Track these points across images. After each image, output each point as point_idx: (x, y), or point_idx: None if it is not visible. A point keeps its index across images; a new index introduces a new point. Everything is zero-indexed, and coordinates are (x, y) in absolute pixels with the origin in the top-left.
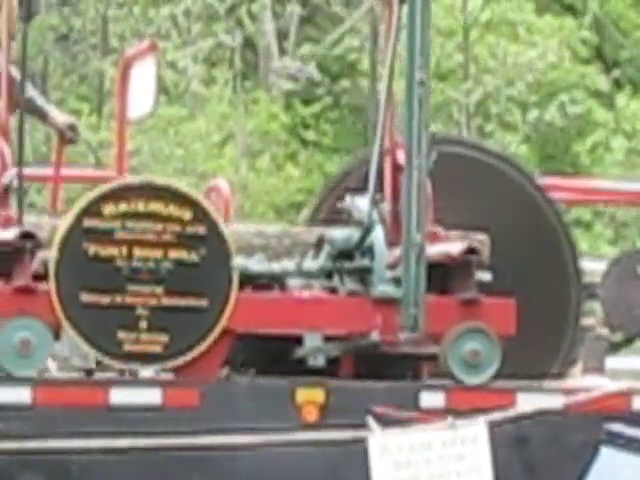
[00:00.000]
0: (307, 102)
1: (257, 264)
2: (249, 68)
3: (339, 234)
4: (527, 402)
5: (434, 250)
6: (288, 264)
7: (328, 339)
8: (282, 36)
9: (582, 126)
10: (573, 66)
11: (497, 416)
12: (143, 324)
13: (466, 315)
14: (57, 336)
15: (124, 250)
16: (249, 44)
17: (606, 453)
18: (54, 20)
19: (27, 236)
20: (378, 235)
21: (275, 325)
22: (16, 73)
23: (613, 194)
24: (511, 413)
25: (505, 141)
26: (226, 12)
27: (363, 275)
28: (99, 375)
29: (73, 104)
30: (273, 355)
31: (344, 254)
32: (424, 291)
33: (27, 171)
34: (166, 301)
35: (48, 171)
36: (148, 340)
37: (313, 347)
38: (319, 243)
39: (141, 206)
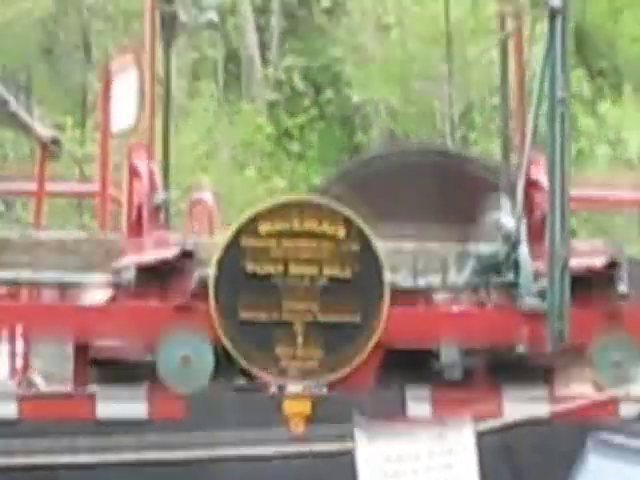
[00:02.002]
0: (292, 113)
1: (404, 279)
2: (232, 80)
3: (486, 249)
4: (513, 411)
5: (576, 263)
6: (433, 279)
7: (464, 352)
8: (265, 48)
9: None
10: None
11: (484, 425)
12: (299, 340)
13: (609, 326)
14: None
15: (280, 267)
16: (232, 56)
17: (593, 461)
18: (38, 34)
19: (187, 255)
20: (523, 249)
21: (426, 339)
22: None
23: (596, 201)
24: (498, 422)
25: (489, 150)
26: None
27: (509, 289)
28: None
29: (58, 117)
30: (410, 367)
31: (490, 268)
32: (568, 304)
33: (12, 185)
34: (321, 317)
35: (32, 186)
36: (304, 356)
37: (453, 360)
38: (462, 258)
39: (296, 224)
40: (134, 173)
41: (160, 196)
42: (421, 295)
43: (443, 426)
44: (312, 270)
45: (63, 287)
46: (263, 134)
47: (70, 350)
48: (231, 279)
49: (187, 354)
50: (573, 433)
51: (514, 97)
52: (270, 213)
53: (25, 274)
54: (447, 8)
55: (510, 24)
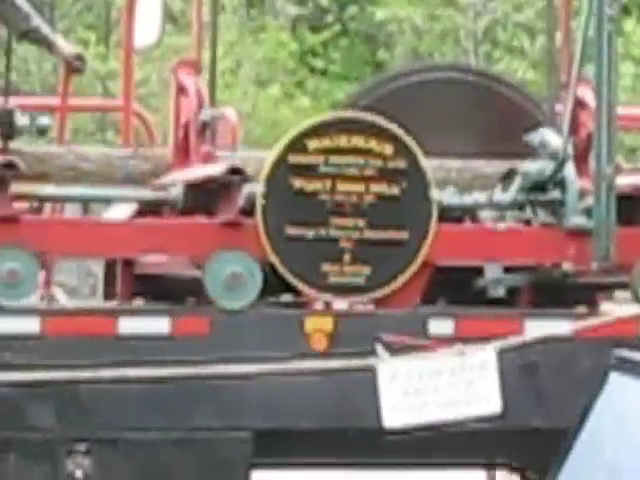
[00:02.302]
0: (315, 29)
1: (450, 197)
2: None
3: (532, 167)
4: (535, 329)
5: (621, 182)
6: (479, 196)
7: (507, 270)
8: None
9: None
10: None
11: (506, 343)
12: (346, 257)
13: None
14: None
15: (328, 184)
16: None
17: (615, 378)
18: None
19: (235, 171)
20: (570, 168)
21: (472, 257)
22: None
23: (622, 119)
24: (519, 340)
25: (512, 67)
26: None
27: (555, 207)
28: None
29: (82, 33)
30: (454, 285)
31: (536, 186)
32: (614, 222)
33: (35, 100)
34: (368, 234)
35: (56, 101)
36: (351, 272)
37: (496, 277)
38: (508, 176)
39: (344, 141)
40: (180, 90)
41: (208, 113)
42: (467, 213)
43: (464, 343)
44: (359, 187)
45: (109, 202)
46: (286, 50)
47: (93, 266)
48: (279, 196)
49: (236, 271)
50: (596, 350)
51: (560, 16)
52: (318, 130)
53: (70, 190)
54: None
55: None
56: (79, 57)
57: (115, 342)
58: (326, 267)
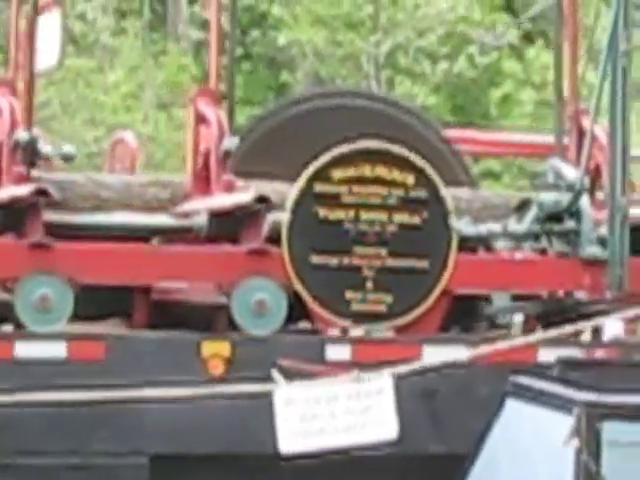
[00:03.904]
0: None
1: (466, 226)
2: (158, 19)
3: (548, 198)
4: (433, 354)
5: (634, 212)
6: (494, 226)
7: (516, 299)
8: None
9: (492, 77)
10: (483, 18)
11: (403, 369)
12: (369, 284)
13: None
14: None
15: (351, 213)
16: None
17: (511, 404)
18: None
19: (262, 200)
20: (585, 199)
21: (490, 286)
22: None
23: (521, 146)
24: (417, 365)
25: (414, 92)
26: None
27: (571, 237)
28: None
29: None
30: (464, 312)
31: (552, 217)
32: (628, 252)
33: None
34: (390, 262)
35: None
36: (374, 300)
37: (503, 307)
38: (522, 206)
39: (367, 171)
40: (200, 119)
41: (231, 142)
42: (481, 242)
43: (361, 369)
44: (382, 216)
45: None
46: (188, 74)
47: None
48: (304, 224)
49: (262, 298)
50: (492, 377)
51: (567, 51)
52: (343, 159)
53: (93, 218)
54: None
55: None
56: None
57: (11, 366)
58: (349, 295)
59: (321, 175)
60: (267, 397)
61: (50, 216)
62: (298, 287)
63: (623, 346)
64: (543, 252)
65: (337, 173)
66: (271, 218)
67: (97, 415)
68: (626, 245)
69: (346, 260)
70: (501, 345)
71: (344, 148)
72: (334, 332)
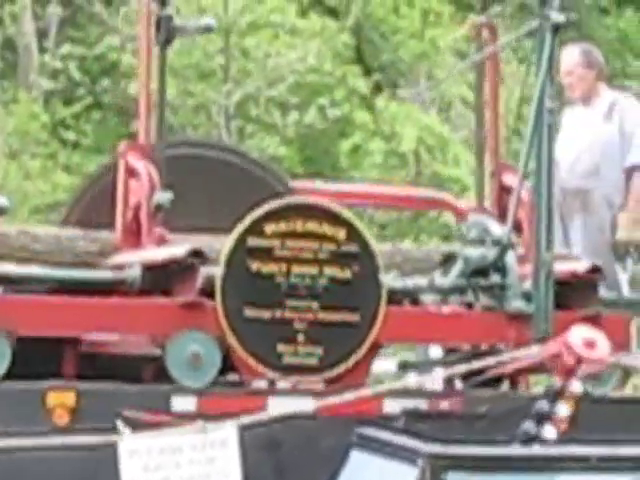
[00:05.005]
0: (67, 102)
1: (393, 280)
2: (9, 68)
3: (473, 253)
4: (278, 406)
5: (560, 268)
6: (420, 280)
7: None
8: (42, 35)
9: (342, 128)
10: (334, 68)
11: (247, 420)
12: (300, 337)
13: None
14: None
15: (283, 267)
16: (9, 44)
17: (356, 456)
18: None
19: (197, 254)
20: (511, 253)
21: (417, 338)
22: None
23: (369, 197)
24: (261, 417)
25: (264, 143)
26: None
27: (496, 291)
28: None
29: None
30: None
31: (478, 271)
32: (552, 307)
33: None
34: (321, 316)
35: None
36: (305, 353)
37: (423, 360)
38: (447, 260)
39: (299, 225)
40: (130, 172)
41: (163, 196)
42: (409, 296)
43: (206, 420)
44: (313, 270)
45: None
46: (38, 123)
47: None
48: (237, 278)
49: (197, 351)
50: (338, 428)
51: (488, 110)
52: (275, 214)
53: (26, 270)
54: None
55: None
56: None
57: None
58: (281, 348)
59: (254, 229)
60: (112, 448)
61: None
62: (231, 340)
63: (466, 397)
64: (469, 306)
65: (270, 227)
66: (205, 271)
67: None
68: (551, 300)
69: (278, 313)
70: (347, 396)
71: (276, 203)
72: (260, 384)
